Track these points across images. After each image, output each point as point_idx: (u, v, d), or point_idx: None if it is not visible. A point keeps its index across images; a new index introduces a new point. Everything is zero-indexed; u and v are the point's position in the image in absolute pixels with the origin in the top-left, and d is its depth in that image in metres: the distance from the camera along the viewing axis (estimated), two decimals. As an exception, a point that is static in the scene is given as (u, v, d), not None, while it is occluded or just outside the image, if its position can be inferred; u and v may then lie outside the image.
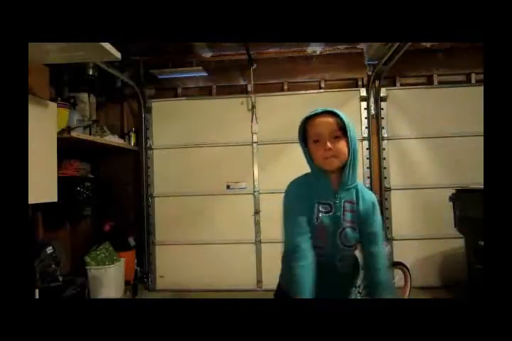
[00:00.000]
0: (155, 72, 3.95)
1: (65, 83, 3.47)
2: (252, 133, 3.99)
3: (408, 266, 3.14)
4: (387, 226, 3.86)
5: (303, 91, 3.99)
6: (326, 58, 4.01)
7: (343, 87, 4.00)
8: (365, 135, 3.91)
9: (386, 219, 3.86)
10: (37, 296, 2.53)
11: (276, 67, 4.03)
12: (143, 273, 4.02)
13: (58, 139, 2.79)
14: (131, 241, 3.90)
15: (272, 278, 4.25)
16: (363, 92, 3.94)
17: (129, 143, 4.06)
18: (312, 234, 1.23)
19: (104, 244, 3.56)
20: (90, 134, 3.42)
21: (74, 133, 2.98)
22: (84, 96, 3.64)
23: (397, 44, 3.05)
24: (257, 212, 3.96)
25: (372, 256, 1.27)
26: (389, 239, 3.81)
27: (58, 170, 2.92)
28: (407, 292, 3.13)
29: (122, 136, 4.05)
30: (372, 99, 3.92)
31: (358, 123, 3.93)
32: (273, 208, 3.91)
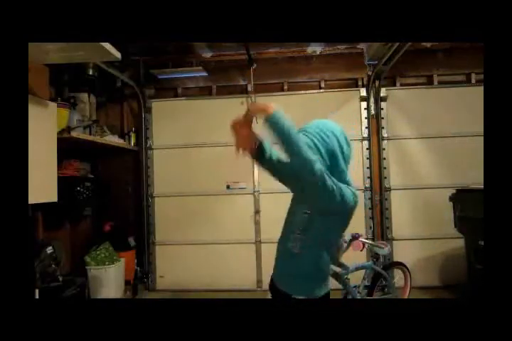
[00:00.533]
0: (155, 72, 3.95)
1: (65, 83, 3.47)
2: (252, 133, 3.98)
3: (408, 266, 3.14)
4: (387, 227, 3.86)
5: (303, 91, 3.99)
6: (326, 58, 4.01)
7: (343, 87, 4.00)
8: (365, 135, 3.91)
9: (386, 219, 3.86)
10: (37, 296, 2.52)
11: (276, 67, 4.03)
12: (143, 273, 4.02)
13: (58, 139, 2.79)
14: (131, 241, 3.90)
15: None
16: (363, 92, 3.94)
17: (129, 143, 4.06)
18: None
19: (104, 244, 3.55)
20: (90, 134, 3.42)
21: (74, 133, 2.98)
22: (84, 96, 3.64)
23: (397, 44, 3.05)
24: (257, 212, 3.96)
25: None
26: (389, 239, 3.81)
27: (58, 170, 2.92)
28: (407, 292, 3.13)
29: (122, 136, 4.04)
30: (372, 99, 3.92)
31: (358, 123, 3.93)
32: (273, 208, 3.91)
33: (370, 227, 3.88)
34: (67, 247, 3.63)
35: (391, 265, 3.18)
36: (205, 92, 4.15)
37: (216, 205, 4.02)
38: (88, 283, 3.32)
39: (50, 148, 2.72)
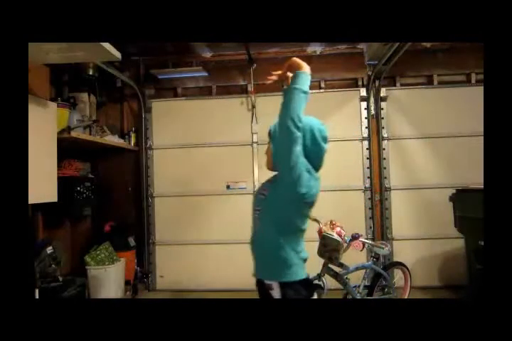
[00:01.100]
0: (155, 72, 3.95)
1: (65, 83, 3.47)
2: (252, 133, 3.99)
3: (408, 266, 3.13)
4: (387, 227, 3.86)
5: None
6: (326, 58, 4.01)
7: (343, 87, 4.00)
8: (365, 135, 3.91)
9: (386, 219, 3.86)
10: (37, 296, 2.53)
11: (276, 67, 4.00)
12: (143, 273, 4.02)
13: (58, 139, 2.79)
14: (131, 241, 3.90)
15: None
16: (363, 92, 3.94)
17: (129, 143, 4.06)
18: None
19: (104, 244, 3.55)
20: (90, 134, 3.42)
21: (74, 133, 2.98)
22: (84, 96, 3.65)
23: (397, 44, 3.04)
24: (257, 212, 3.96)
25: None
26: (389, 239, 3.81)
27: (58, 170, 2.92)
28: (407, 292, 3.13)
29: (122, 136, 4.04)
30: (372, 99, 3.92)
31: (358, 123, 3.93)
32: (273, 208, 3.91)
33: (370, 227, 3.87)
34: (67, 247, 3.63)
35: (391, 265, 3.18)
36: (205, 92, 4.15)
37: (216, 205, 4.02)
38: (88, 283, 3.32)
39: (50, 148, 2.72)
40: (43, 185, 2.59)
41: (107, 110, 4.16)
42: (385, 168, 3.89)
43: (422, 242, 3.84)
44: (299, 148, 1.35)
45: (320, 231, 2.52)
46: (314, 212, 2.71)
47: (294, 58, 1.42)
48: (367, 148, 3.91)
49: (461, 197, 3.16)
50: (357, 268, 2.76)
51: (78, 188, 3.42)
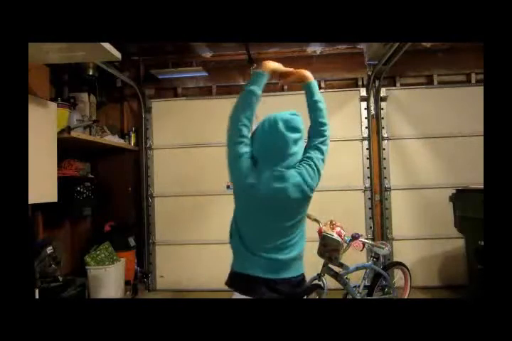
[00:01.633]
0: (155, 72, 3.95)
1: (65, 83, 3.47)
2: (252, 133, 3.98)
3: (408, 266, 3.13)
4: (387, 227, 3.86)
5: (303, 92, 3.97)
6: (326, 58, 4.01)
7: (343, 87, 4.00)
8: (365, 135, 3.91)
9: (386, 219, 3.86)
10: (37, 296, 2.52)
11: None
12: (143, 273, 4.02)
13: (58, 139, 2.79)
14: (131, 241, 3.90)
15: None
16: (363, 92, 3.94)
17: (129, 143, 4.06)
18: None
19: (104, 244, 3.55)
20: (90, 134, 3.42)
21: (74, 133, 2.98)
22: (84, 96, 3.64)
23: (397, 44, 3.04)
24: (257, 212, 3.96)
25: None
26: (389, 239, 3.81)
27: (58, 170, 2.92)
28: (407, 292, 3.13)
29: (122, 136, 4.04)
30: (372, 99, 3.92)
31: (358, 123, 3.93)
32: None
33: (370, 227, 3.87)
34: (67, 247, 3.63)
35: (391, 265, 3.18)
36: (205, 92, 4.15)
37: (216, 205, 4.01)
38: (88, 283, 3.32)
39: (50, 148, 2.72)
40: (43, 185, 2.59)
41: (107, 110, 4.16)
42: (385, 168, 3.89)
43: (422, 242, 3.84)
44: (233, 133, 1.45)
45: (320, 231, 2.52)
46: (314, 212, 2.74)
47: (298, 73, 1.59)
48: (367, 148, 3.91)
49: (461, 197, 3.16)
50: (357, 268, 2.76)
51: (78, 188, 3.42)
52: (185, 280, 3.98)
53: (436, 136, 3.84)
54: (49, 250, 2.90)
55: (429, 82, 3.94)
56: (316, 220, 2.63)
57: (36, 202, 2.51)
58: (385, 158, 3.89)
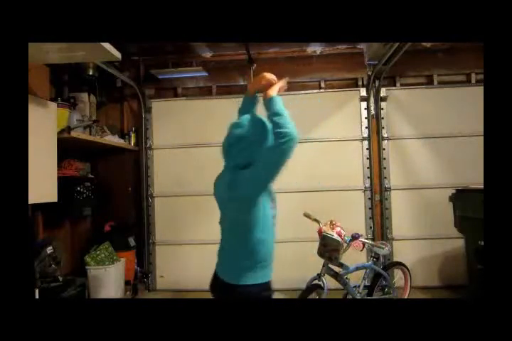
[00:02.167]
0: (155, 72, 3.95)
1: (65, 83, 3.47)
2: (252, 133, 3.98)
3: (408, 266, 3.13)
4: (387, 227, 3.86)
5: (303, 92, 3.99)
6: (326, 58, 4.01)
7: (343, 87, 3.99)
8: (365, 135, 3.90)
9: (386, 219, 3.86)
10: (37, 296, 2.52)
11: (276, 67, 4.02)
12: (143, 273, 4.02)
13: (58, 139, 2.79)
14: (131, 241, 3.90)
15: (272, 278, 4.22)
16: (363, 92, 3.94)
17: (129, 143, 4.06)
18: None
19: (104, 244, 3.55)
20: (90, 134, 3.42)
21: (74, 133, 2.98)
22: (84, 96, 3.64)
23: (397, 44, 3.04)
24: (257, 212, 3.95)
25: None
26: (389, 239, 3.81)
27: (58, 170, 2.92)
28: (407, 292, 3.13)
29: (122, 136, 4.04)
30: (372, 99, 3.92)
31: (358, 123, 3.93)
32: (273, 208, 3.91)
33: (370, 227, 3.87)
34: (67, 247, 3.63)
35: (391, 265, 3.18)
36: (205, 92, 4.15)
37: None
38: (88, 283, 3.32)
39: (50, 148, 2.72)
40: (43, 185, 2.58)
41: (107, 110, 4.16)
42: (385, 168, 3.89)
43: (422, 242, 3.84)
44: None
45: (320, 231, 2.52)
46: (314, 212, 2.74)
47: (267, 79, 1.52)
48: (367, 148, 3.91)
49: (461, 197, 3.16)
50: (357, 268, 2.76)
51: (78, 188, 3.42)
52: (185, 280, 3.98)
53: (436, 136, 3.84)
54: (49, 250, 2.90)
55: (429, 82, 3.94)
56: (316, 220, 2.63)
57: (36, 202, 2.50)
58: (385, 158, 3.89)
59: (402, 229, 3.86)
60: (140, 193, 4.09)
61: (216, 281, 1.52)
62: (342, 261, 2.52)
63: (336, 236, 2.42)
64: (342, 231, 2.48)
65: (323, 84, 4.01)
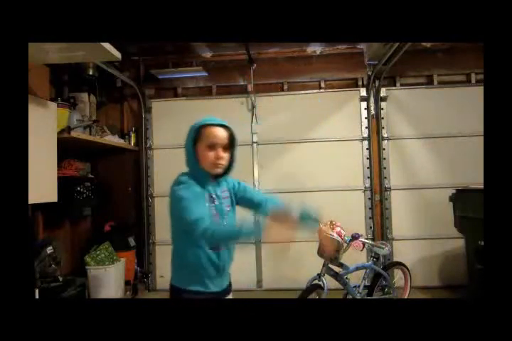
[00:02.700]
0: (155, 72, 3.95)
1: (65, 83, 3.47)
2: (252, 133, 3.99)
3: (408, 266, 3.13)
4: (387, 227, 3.86)
5: (303, 92, 3.99)
6: (326, 58, 4.01)
7: (343, 87, 3.99)
8: (365, 135, 3.90)
9: (386, 219, 3.86)
10: (37, 296, 2.52)
11: (276, 67, 4.02)
12: (143, 273, 4.02)
13: (58, 139, 2.79)
14: (131, 241, 3.90)
15: (272, 278, 4.23)
16: (363, 92, 3.94)
17: (129, 143, 4.06)
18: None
19: (104, 244, 3.55)
20: (90, 134, 3.42)
21: (74, 133, 2.98)
22: (84, 96, 3.64)
23: (397, 44, 3.04)
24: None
25: (262, 201, 1.58)
26: (389, 239, 3.81)
27: (58, 170, 2.92)
28: (407, 292, 3.13)
29: (122, 136, 4.04)
30: (372, 99, 3.92)
31: (358, 123, 3.93)
32: (273, 208, 3.90)
33: (370, 227, 3.87)
34: (67, 247, 3.63)
35: (391, 265, 3.18)
36: (205, 92, 4.15)
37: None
38: (88, 283, 3.32)
39: (50, 148, 2.72)
40: (43, 185, 2.58)
41: (107, 110, 4.16)
42: (385, 168, 3.89)
43: (422, 242, 3.84)
44: None
45: (320, 231, 2.52)
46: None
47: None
48: (367, 148, 3.91)
49: (461, 197, 3.16)
50: (357, 268, 2.76)
51: (78, 188, 3.41)
52: (185, 280, 3.98)
53: (436, 136, 3.84)
54: (49, 250, 2.90)
55: (429, 82, 3.94)
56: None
57: (36, 202, 2.50)
58: (385, 158, 3.89)
59: (402, 229, 3.86)
60: (140, 193, 4.09)
61: None
62: (342, 261, 2.52)
63: (336, 236, 2.42)
64: (342, 231, 2.48)
65: (323, 84, 4.01)
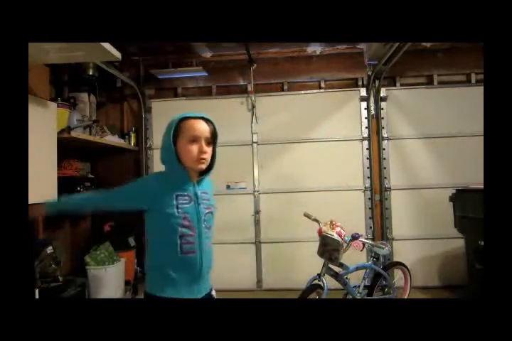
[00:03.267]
0: (155, 72, 3.95)
1: (65, 83, 3.47)
2: (252, 133, 3.99)
3: (408, 266, 3.13)
4: (387, 227, 3.86)
5: (303, 92, 3.99)
6: (326, 58, 4.01)
7: (343, 87, 3.99)
8: (365, 135, 3.90)
9: (386, 219, 3.86)
10: (37, 296, 2.52)
11: (276, 67, 4.02)
12: (143, 273, 4.02)
13: (58, 139, 2.79)
14: (131, 241, 3.89)
15: (272, 278, 4.23)
16: (363, 92, 3.94)
17: (129, 143, 4.06)
18: (178, 224, 1.32)
19: (104, 244, 3.55)
20: (90, 134, 3.42)
21: (74, 133, 2.97)
22: (84, 96, 3.64)
23: (397, 44, 3.04)
24: (257, 212, 3.96)
25: None
26: (389, 239, 3.81)
27: (58, 170, 2.92)
28: (407, 292, 3.13)
29: (122, 136, 4.04)
30: (372, 99, 3.92)
31: (358, 123, 3.93)
32: (273, 208, 3.91)
33: (370, 227, 3.87)
34: (67, 247, 3.63)
35: (391, 265, 3.18)
36: (205, 92, 4.15)
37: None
38: (88, 283, 3.32)
39: (50, 148, 2.72)
40: (43, 185, 2.58)
41: (107, 110, 4.16)
42: (385, 168, 3.89)
43: (422, 242, 3.84)
44: None
45: (320, 231, 2.52)
46: (314, 212, 2.74)
47: None
48: (367, 148, 3.91)
49: (461, 197, 3.16)
50: (357, 268, 2.76)
51: (78, 188, 3.41)
52: (185, 280, 3.97)
53: (436, 136, 3.84)
54: (49, 250, 2.90)
55: (429, 82, 3.94)
56: (316, 220, 2.63)
57: (36, 202, 2.50)
58: (385, 158, 3.90)
59: (402, 229, 3.86)
60: (140, 193, 4.08)
61: None
62: (342, 261, 2.52)
63: (336, 236, 2.42)
64: (342, 231, 2.48)
65: (323, 84, 4.01)
